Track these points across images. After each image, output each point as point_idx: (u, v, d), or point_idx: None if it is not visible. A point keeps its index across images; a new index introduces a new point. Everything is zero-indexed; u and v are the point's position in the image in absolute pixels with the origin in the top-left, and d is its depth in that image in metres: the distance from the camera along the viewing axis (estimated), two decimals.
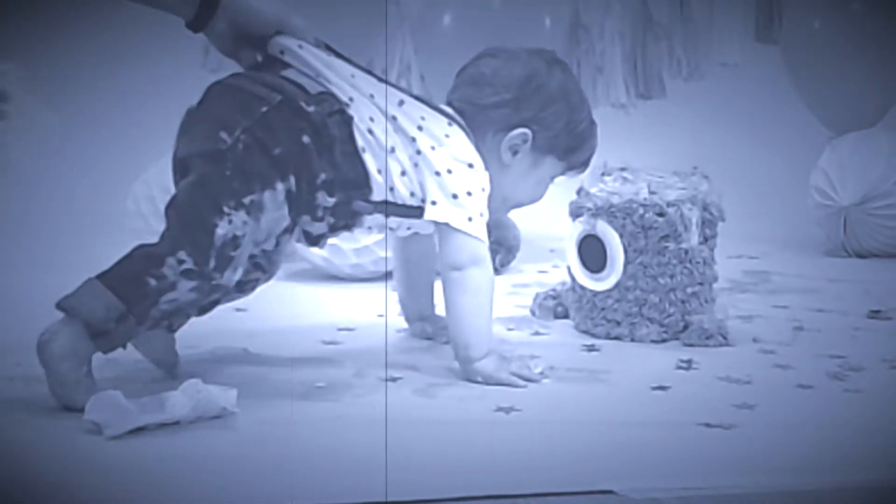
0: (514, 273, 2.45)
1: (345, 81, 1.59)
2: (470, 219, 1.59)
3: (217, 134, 1.50)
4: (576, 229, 1.88)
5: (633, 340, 1.84)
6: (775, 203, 3.15)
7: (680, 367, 1.68)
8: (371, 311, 1.99)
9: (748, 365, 1.68)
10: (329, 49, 1.62)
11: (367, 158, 1.57)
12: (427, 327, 1.82)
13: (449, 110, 1.68)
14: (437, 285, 1.72)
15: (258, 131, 1.51)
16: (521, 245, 2.52)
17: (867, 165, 2.71)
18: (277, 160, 1.51)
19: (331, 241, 1.65)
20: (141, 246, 1.49)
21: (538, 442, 1.34)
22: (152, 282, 1.45)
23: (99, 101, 3.20)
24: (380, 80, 1.64)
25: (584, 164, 1.76)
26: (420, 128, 1.61)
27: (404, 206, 1.60)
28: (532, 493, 1.17)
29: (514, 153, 1.68)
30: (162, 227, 1.64)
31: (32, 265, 2.38)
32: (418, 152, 1.59)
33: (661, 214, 1.82)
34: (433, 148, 1.60)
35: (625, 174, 1.90)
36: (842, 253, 2.75)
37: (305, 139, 1.53)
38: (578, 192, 1.91)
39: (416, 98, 1.67)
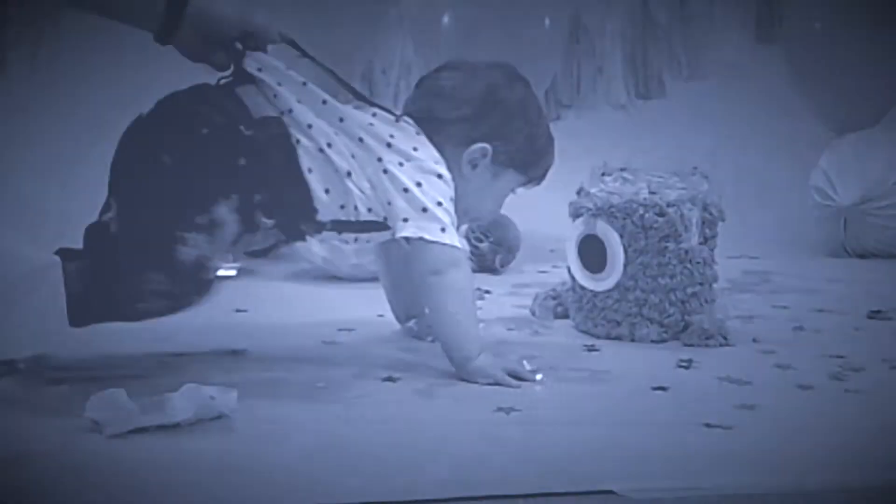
0: (514, 273, 2.46)
1: (308, 108, 1.59)
2: (443, 229, 1.58)
3: (159, 156, 1.52)
4: (576, 229, 1.88)
5: (633, 340, 1.84)
6: (775, 203, 3.15)
7: (680, 367, 1.68)
8: (371, 311, 1.99)
9: (748, 365, 1.68)
10: (293, 44, 1.62)
11: (313, 178, 1.57)
12: (414, 326, 1.83)
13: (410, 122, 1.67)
14: None
15: (196, 153, 1.52)
16: (522, 245, 2.53)
17: (867, 165, 2.71)
18: (217, 181, 1.53)
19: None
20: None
21: (538, 442, 1.34)
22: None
23: (99, 99, 3.20)
24: (356, 95, 1.66)
25: (542, 178, 1.75)
26: (389, 145, 1.61)
27: (359, 223, 1.60)
28: (532, 493, 1.17)
29: (474, 167, 1.68)
30: None
31: (32, 265, 2.38)
32: (385, 171, 1.59)
33: (661, 214, 1.82)
34: (401, 164, 1.60)
35: (625, 174, 1.90)
36: (842, 253, 2.75)
37: (241, 161, 1.54)
38: (578, 193, 1.91)
39: (386, 110, 1.67)
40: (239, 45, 1.59)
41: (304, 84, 1.61)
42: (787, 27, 2.92)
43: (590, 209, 1.86)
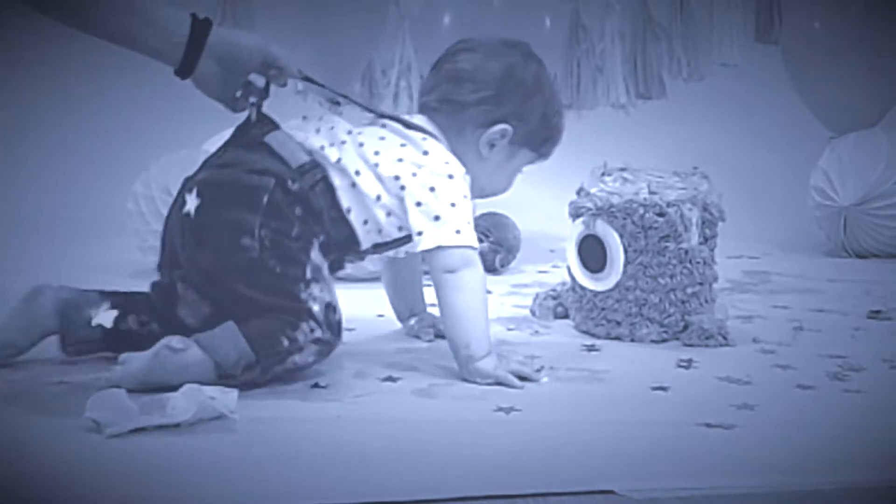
0: (514, 273, 2.46)
1: (336, 143, 1.63)
2: (458, 231, 1.59)
3: (239, 242, 1.54)
4: (576, 229, 1.88)
5: (633, 340, 1.84)
6: (775, 203, 3.15)
7: (680, 367, 1.68)
8: (371, 311, 1.99)
9: (748, 365, 1.68)
10: (309, 80, 1.64)
11: (353, 218, 1.61)
12: (415, 325, 1.83)
13: (421, 121, 1.68)
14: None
15: (272, 222, 1.55)
16: (522, 245, 2.53)
17: (867, 165, 2.71)
18: (297, 237, 1.56)
19: None
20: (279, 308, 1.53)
21: (538, 442, 1.34)
22: (285, 342, 1.51)
23: (99, 101, 3.20)
24: (369, 111, 1.72)
25: (549, 155, 1.77)
26: (400, 160, 1.63)
27: (395, 241, 1.64)
28: (532, 493, 1.17)
29: (492, 147, 1.69)
30: (160, 226, 1.65)
31: (33, 266, 2.38)
32: (402, 188, 1.61)
33: (661, 214, 1.82)
34: (414, 175, 1.62)
35: (625, 174, 1.90)
36: (842, 253, 2.75)
37: (298, 211, 1.57)
38: (578, 192, 1.91)
39: (392, 118, 1.69)
40: (261, 83, 1.60)
41: (321, 119, 1.66)
42: (787, 27, 2.91)
43: (590, 209, 1.85)
